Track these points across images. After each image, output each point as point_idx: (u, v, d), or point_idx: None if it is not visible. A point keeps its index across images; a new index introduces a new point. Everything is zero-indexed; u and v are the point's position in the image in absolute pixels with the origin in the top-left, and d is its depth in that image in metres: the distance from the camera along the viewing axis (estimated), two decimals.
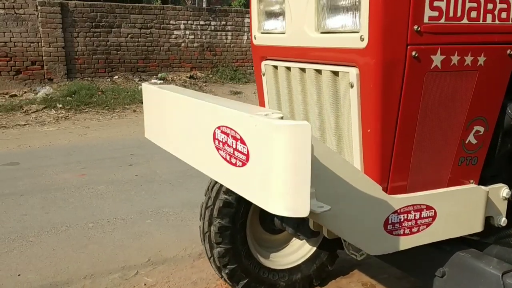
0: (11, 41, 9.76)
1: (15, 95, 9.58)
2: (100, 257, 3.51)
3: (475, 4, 1.78)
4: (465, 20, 1.78)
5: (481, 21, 1.81)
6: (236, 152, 1.51)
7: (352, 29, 1.75)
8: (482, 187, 2.04)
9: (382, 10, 1.62)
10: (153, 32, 11.05)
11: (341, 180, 1.64)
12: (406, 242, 1.87)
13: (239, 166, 1.50)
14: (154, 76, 10.91)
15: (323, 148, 1.59)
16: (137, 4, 11.22)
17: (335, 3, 1.80)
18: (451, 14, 1.74)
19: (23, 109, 8.68)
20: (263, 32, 2.24)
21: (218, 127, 1.59)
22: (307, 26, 1.92)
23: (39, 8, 9.84)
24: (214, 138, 1.62)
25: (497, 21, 1.85)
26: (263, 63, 2.26)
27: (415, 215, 1.86)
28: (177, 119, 1.91)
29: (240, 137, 1.48)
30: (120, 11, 10.60)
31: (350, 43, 1.74)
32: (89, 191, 4.91)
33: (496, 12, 1.84)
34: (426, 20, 1.69)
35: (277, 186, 1.35)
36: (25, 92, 9.74)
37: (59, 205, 4.53)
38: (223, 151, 1.58)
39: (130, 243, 3.74)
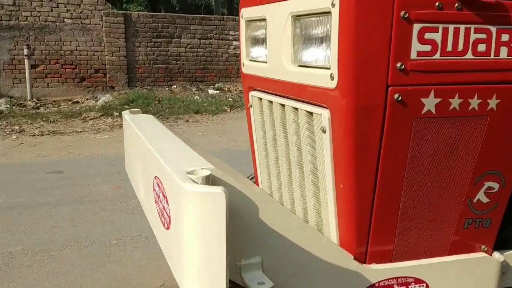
0: (76, 50, 10.15)
1: (78, 102, 9.94)
2: (115, 278, 3.41)
3: (483, 35, 1.44)
4: (469, 55, 1.44)
5: (492, 56, 1.47)
6: (164, 211, 1.29)
7: (324, 64, 1.47)
8: (497, 254, 1.67)
9: (354, 43, 1.33)
10: (212, 42, 11.08)
11: (297, 248, 1.36)
12: None
13: (165, 228, 1.27)
14: (212, 86, 10.92)
15: (273, 208, 1.33)
16: (197, 15, 11.31)
17: (309, 32, 1.52)
18: (449, 48, 1.41)
19: (81, 116, 8.96)
20: (251, 59, 2.00)
21: (155, 177, 1.38)
22: (285, 57, 1.66)
23: (104, 18, 10.16)
24: (153, 189, 1.41)
25: None
26: (250, 93, 2.02)
27: None
28: (136, 158, 1.72)
29: (166, 194, 1.25)
30: (180, 22, 10.72)
31: (322, 81, 1.46)
32: (120, 204, 4.87)
33: None
34: (413, 56, 1.38)
35: (189, 263, 1.11)
36: (87, 99, 10.08)
37: (88, 218, 4.52)
38: (158, 205, 1.37)
39: (148, 264, 3.62)
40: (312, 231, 1.40)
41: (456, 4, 1.38)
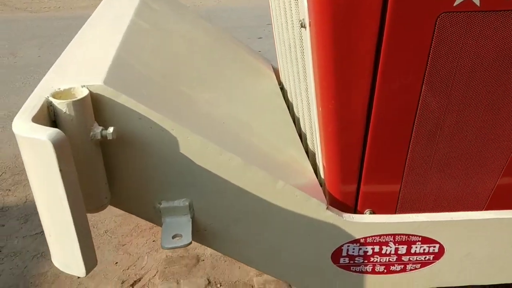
0: None
1: None
2: None
3: None
4: None
5: None
6: None
7: None
8: None
9: None
10: None
11: (238, 190, 1.00)
12: (381, 282, 1.18)
13: None
14: None
15: (198, 141, 0.95)
16: None
17: None
18: None
19: None
20: None
21: None
22: None
23: None
24: None
25: None
26: None
27: (396, 249, 1.13)
28: None
29: None
30: None
31: None
32: None
33: None
34: None
35: (42, 221, 0.83)
36: None
37: None
38: None
39: None
40: (259, 172, 1.02)
41: None
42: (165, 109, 0.96)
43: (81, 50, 1.05)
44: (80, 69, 0.94)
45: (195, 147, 0.95)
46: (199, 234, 1.06)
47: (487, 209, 1.16)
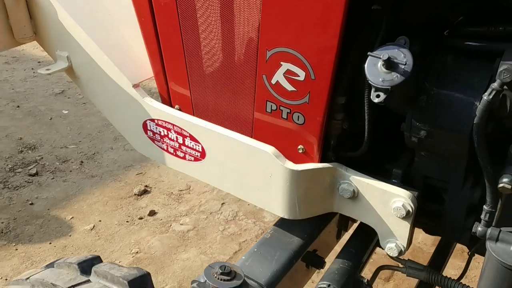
0: None
1: None
2: None
3: None
4: None
5: None
6: None
7: None
8: (311, 165, 1.28)
9: None
10: None
11: (86, 55, 1.53)
12: (173, 162, 1.52)
13: None
14: None
15: (61, 14, 1.49)
16: None
17: None
18: None
19: None
20: None
21: None
22: None
23: None
24: None
25: None
26: None
27: (177, 137, 1.46)
28: None
29: None
30: None
31: None
32: None
33: None
34: None
35: None
36: None
37: None
38: None
39: None
40: (92, 44, 1.47)
41: None
42: None
43: None
44: None
45: (60, 17, 1.51)
46: (77, 79, 1.63)
47: (254, 137, 1.36)
